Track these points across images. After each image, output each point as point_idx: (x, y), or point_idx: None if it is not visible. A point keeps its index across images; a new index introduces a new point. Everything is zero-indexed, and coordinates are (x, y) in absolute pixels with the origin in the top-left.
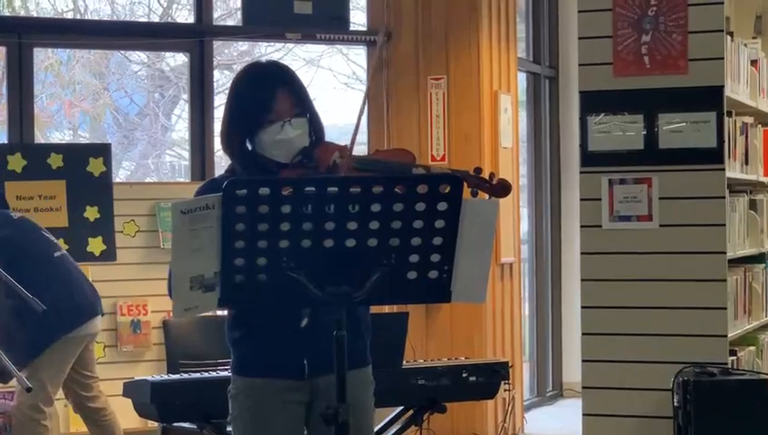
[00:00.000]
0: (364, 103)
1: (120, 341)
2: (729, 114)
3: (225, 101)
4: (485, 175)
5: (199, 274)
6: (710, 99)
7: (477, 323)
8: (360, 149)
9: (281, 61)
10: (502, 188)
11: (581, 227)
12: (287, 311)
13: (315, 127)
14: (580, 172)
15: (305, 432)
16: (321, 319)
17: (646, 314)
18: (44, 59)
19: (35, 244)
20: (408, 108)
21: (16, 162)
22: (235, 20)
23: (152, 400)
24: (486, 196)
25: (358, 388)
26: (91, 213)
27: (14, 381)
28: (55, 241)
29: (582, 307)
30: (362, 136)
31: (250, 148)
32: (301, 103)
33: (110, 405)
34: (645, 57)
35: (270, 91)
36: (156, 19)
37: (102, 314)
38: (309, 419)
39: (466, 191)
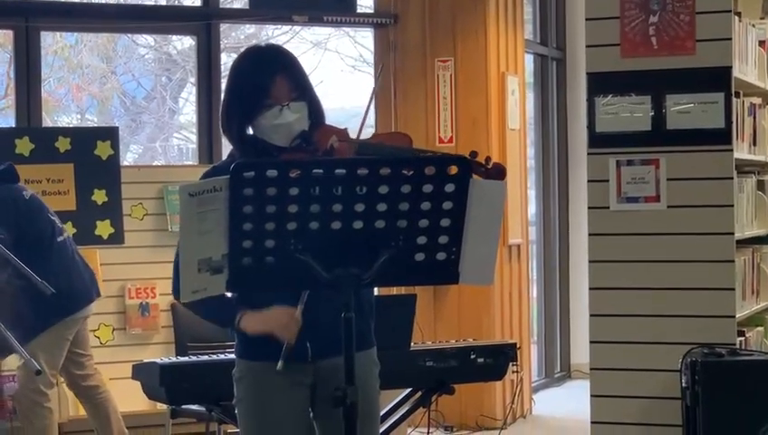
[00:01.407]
0: (374, 93)
1: (128, 324)
2: (737, 95)
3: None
4: (481, 159)
5: (207, 256)
6: (718, 79)
7: (485, 304)
8: (367, 132)
9: (286, 44)
10: (497, 172)
11: (589, 208)
12: (291, 294)
13: (314, 111)
14: (588, 154)
15: (310, 415)
16: (324, 301)
17: (654, 295)
18: (52, 43)
19: (39, 226)
20: (415, 90)
21: (24, 146)
22: (241, 3)
23: (161, 382)
24: (482, 179)
25: (362, 370)
26: (99, 196)
27: (11, 363)
28: (60, 225)
29: (590, 289)
30: (369, 118)
31: (251, 132)
32: (299, 87)
33: (105, 384)
34: (652, 38)
35: (268, 76)
36: (163, 2)
37: (99, 295)
38: (313, 401)
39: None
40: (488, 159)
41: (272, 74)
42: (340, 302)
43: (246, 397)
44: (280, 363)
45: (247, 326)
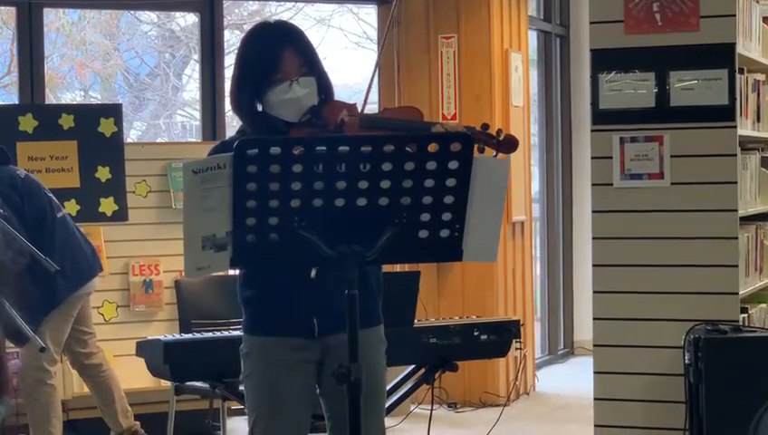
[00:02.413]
0: (376, 67)
1: (132, 301)
2: (741, 71)
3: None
4: (493, 131)
5: (211, 233)
6: (722, 56)
7: (489, 281)
8: (371, 109)
9: (291, 20)
10: (508, 144)
11: (593, 185)
12: (298, 270)
13: (324, 86)
14: (592, 130)
15: (317, 391)
16: (331, 277)
17: (657, 272)
18: (54, 20)
19: (38, 205)
20: (418, 67)
21: (28, 123)
22: None
23: (165, 359)
24: (493, 152)
25: (369, 347)
26: (103, 173)
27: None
28: (57, 202)
29: (594, 265)
30: (373, 95)
31: (260, 108)
32: (309, 63)
33: (108, 362)
34: (656, 14)
35: (277, 51)
36: None
37: (102, 270)
38: (320, 377)
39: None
40: (500, 131)
41: (281, 49)
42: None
43: (253, 373)
44: (313, 271)
45: None
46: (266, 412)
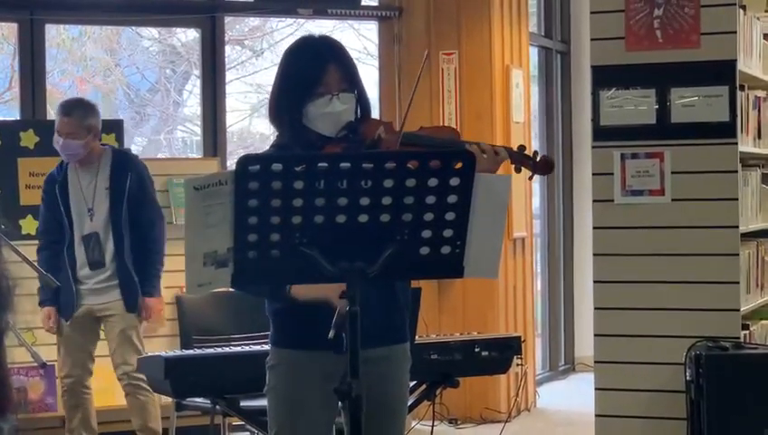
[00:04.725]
0: (416, 86)
1: None
2: (742, 88)
3: (236, 76)
4: (529, 152)
5: (212, 250)
6: (722, 73)
7: (490, 297)
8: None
9: (290, 36)
10: (545, 165)
11: (594, 201)
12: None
13: (362, 103)
14: (592, 147)
15: (340, 405)
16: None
17: (658, 289)
18: (55, 35)
19: None
20: (419, 83)
21: (29, 139)
22: None
23: (166, 375)
24: (530, 172)
25: (397, 363)
26: None
27: (17, 356)
28: None
29: (595, 282)
30: (374, 112)
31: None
32: (350, 79)
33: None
34: (657, 31)
35: (321, 65)
36: None
37: None
38: None
39: (508, 167)
40: (536, 152)
41: (325, 63)
42: (380, 294)
43: (278, 385)
44: (332, 332)
45: (299, 291)
46: (287, 427)
